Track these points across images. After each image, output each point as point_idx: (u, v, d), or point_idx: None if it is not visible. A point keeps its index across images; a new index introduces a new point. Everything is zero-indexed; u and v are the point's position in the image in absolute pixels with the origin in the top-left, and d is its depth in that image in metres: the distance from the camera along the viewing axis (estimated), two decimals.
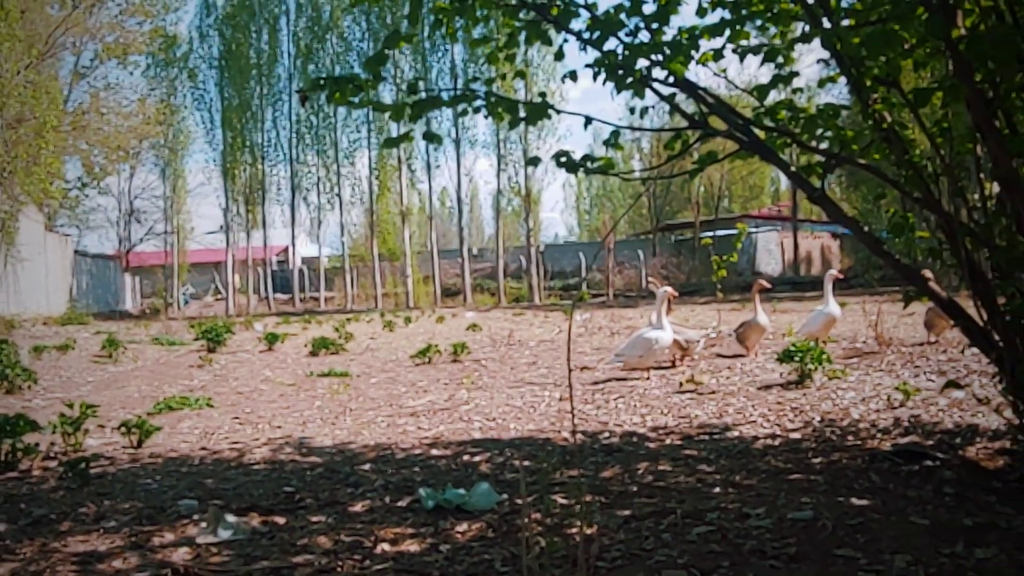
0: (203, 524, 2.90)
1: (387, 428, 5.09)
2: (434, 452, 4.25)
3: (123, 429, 4.48)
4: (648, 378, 5.80)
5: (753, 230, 24.97)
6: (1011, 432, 3.18)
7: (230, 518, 2.90)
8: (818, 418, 4.45)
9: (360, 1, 2.80)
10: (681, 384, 5.39)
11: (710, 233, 22.37)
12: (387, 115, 2.59)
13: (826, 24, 2.46)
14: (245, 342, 11.42)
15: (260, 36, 23.93)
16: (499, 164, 23.17)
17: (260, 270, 29.80)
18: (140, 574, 2.44)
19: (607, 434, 4.48)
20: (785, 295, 15.55)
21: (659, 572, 2.07)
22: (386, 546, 2.57)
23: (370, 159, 23.87)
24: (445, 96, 2.51)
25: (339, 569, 2.42)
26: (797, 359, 5.00)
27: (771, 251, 24.74)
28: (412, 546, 2.59)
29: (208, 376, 7.88)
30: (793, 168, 2.95)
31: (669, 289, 6.04)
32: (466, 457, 4.08)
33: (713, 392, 5.32)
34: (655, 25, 2.59)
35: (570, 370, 3.09)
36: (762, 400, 4.96)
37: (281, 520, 3.01)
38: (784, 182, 27.37)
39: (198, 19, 24.20)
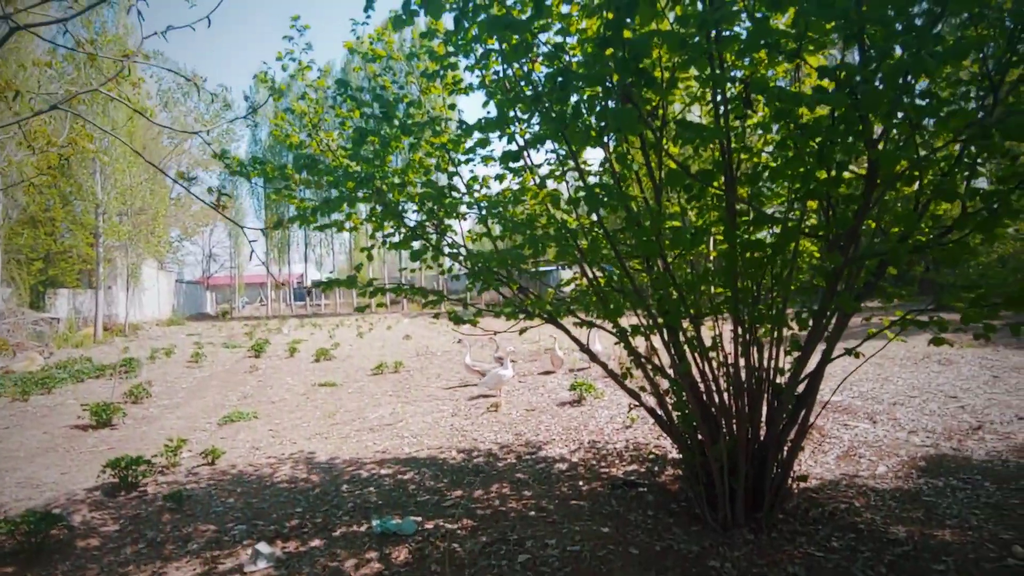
0: None
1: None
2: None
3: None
4: (497, 398, 7.89)
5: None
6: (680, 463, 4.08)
7: None
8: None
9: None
10: (488, 408, 7.19)
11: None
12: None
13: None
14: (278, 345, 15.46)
15: (284, 157, 35.49)
16: None
17: (286, 288, 44.88)
18: None
19: (476, 452, 5.57)
20: None
21: None
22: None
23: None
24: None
25: None
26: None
27: None
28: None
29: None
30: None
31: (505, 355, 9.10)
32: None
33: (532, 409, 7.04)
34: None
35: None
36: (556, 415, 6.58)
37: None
38: None
39: (249, 148, 41.10)
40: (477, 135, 3.61)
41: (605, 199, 2.73)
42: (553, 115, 2.55)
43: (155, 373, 11.61)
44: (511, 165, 3.85)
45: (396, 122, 3.79)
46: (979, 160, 3.18)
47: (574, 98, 2.93)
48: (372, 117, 3.80)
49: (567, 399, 7.58)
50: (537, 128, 3.34)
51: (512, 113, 3.39)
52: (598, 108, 2.45)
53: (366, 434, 6.50)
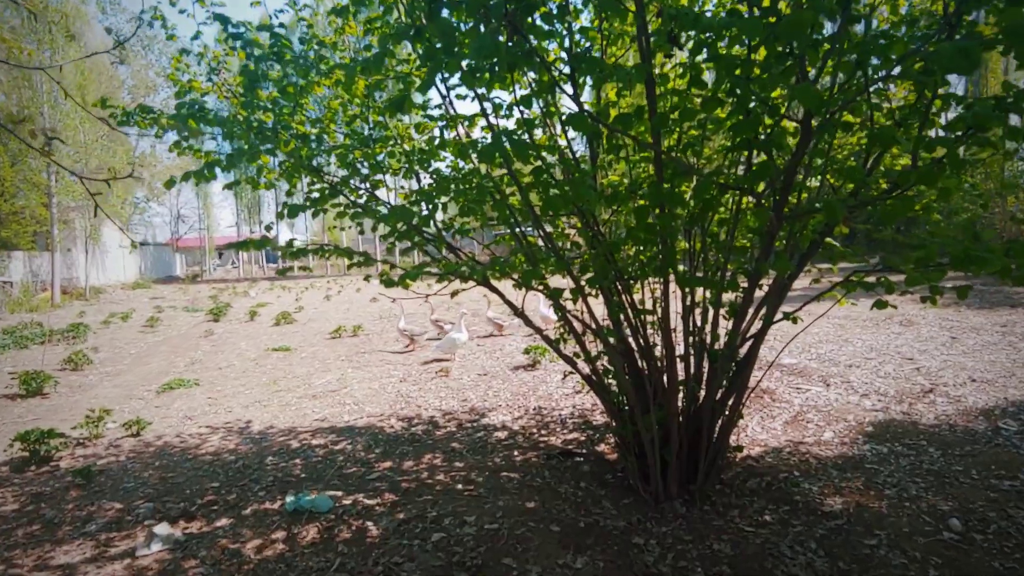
0: None
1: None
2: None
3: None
4: (450, 359, 7.76)
5: None
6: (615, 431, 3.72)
7: None
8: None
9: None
10: (437, 372, 7.11)
11: None
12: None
13: None
14: (240, 309, 14.92)
15: (254, 111, 41.52)
16: None
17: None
18: None
19: (416, 420, 5.34)
20: None
21: None
22: None
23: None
24: None
25: None
26: None
27: None
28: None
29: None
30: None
31: (465, 311, 8.94)
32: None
33: (485, 374, 6.92)
34: None
35: None
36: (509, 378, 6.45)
37: None
38: None
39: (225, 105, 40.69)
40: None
41: (510, 150, 2.38)
42: (431, 53, 2.18)
43: (105, 338, 11.20)
44: (430, 113, 3.49)
45: (291, 66, 3.37)
46: (932, 107, 2.89)
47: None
48: (261, 59, 3.38)
49: (522, 363, 7.40)
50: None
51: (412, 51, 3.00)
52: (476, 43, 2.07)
53: (307, 401, 6.22)
